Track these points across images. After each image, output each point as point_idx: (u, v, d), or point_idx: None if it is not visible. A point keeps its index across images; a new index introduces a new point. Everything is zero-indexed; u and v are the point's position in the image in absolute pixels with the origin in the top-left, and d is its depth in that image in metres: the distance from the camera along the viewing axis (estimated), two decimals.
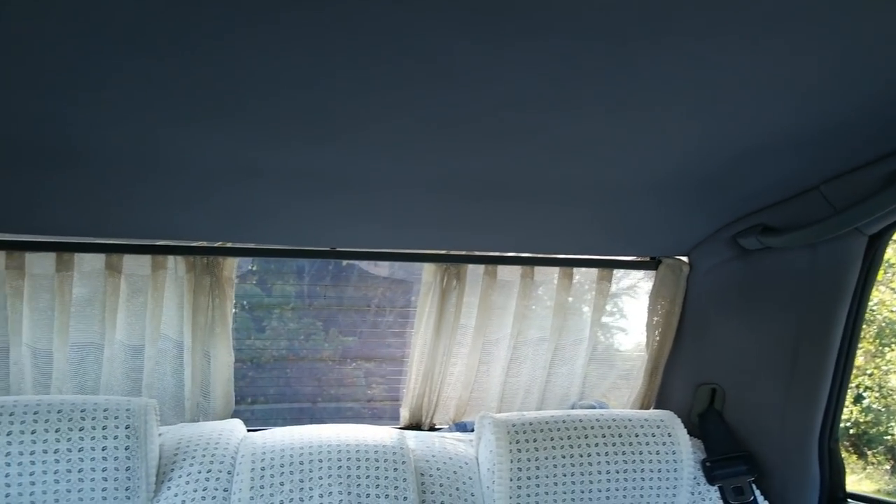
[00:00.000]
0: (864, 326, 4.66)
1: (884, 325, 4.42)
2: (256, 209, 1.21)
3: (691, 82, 0.83)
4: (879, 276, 4.41)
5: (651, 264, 1.48)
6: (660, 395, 1.54)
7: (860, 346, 4.49)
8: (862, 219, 1.05)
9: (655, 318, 1.49)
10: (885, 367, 4.45)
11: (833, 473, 1.32)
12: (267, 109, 0.89)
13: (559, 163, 1.08)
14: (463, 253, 1.44)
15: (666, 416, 1.38)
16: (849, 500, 1.33)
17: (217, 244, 1.38)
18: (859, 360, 4.51)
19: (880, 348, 4.46)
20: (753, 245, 1.26)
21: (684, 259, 1.46)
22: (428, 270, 1.47)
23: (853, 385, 4.50)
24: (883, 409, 4.43)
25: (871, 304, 4.44)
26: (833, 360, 1.24)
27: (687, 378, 1.49)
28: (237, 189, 1.14)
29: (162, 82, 0.81)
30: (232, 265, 1.41)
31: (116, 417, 1.17)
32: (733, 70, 0.80)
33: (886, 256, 4.35)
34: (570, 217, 1.30)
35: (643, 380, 1.54)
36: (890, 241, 1.15)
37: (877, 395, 4.46)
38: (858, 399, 4.57)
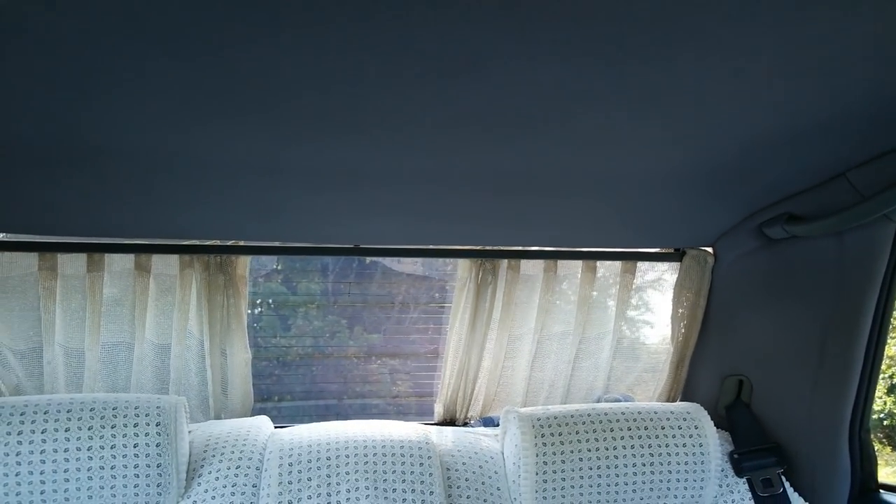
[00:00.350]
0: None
1: None
2: (281, 207, 1.23)
3: (717, 71, 0.82)
4: None
5: (676, 256, 1.46)
6: (686, 387, 1.53)
7: (894, 335, 4.40)
8: (889, 205, 1.03)
9: (680, 310, 1.48)
10: None
11: (864, 464, 1.30)
12: (290, 107, 0.90)
13: (583, 155, 1.07)
14: (486, 248, 1.44)
15: (692, 408, 1.37)
16: (881, 490, 1.30)
17: (240, 243, 1.40)
18: (893, 349, 4.41)
19: None
20: (779, 234, 1.24)
21: (709, 250, 1.44)
22: (463, 266, 1.48)
23: (887, 375, 4.41)
24: None
25: None
26: (862, 350, 1.22)
27: (713, 370, 1.47)
28: (262, 187, 1.15)
29: (185, 82, 0.82)
30: (245, 263, 1.43)
31: (147, 415, 1.20)
32: (758, 58, 0.79)
33: None
34: (595, 210, 1.29)
35: (669, 372, 1.52)
36: None
37: None
38: (892, 389, 4.47)
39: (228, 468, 1.24)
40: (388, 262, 1.86)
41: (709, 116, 0.95)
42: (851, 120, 0.95)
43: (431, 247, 1.43)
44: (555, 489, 1.26)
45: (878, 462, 1.32)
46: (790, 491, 1.33)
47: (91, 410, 1.18)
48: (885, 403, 4.39)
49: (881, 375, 4.49)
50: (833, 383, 1.26)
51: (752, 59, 0.79)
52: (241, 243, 1.40)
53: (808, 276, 1.25)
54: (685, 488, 1.30)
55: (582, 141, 1.01)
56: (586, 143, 1.03)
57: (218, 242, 1.38)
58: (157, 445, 1.18)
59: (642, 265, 1.50)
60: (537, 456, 1.26)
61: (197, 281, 1.40)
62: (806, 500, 1.31)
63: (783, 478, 1.34)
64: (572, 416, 1.31)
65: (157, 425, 1.19)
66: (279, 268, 1.92)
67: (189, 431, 1.29)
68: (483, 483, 1.29)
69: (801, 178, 1.15)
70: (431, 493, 1.22)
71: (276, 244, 1.41)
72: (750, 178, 1.17)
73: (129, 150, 1.02)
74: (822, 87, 0.87)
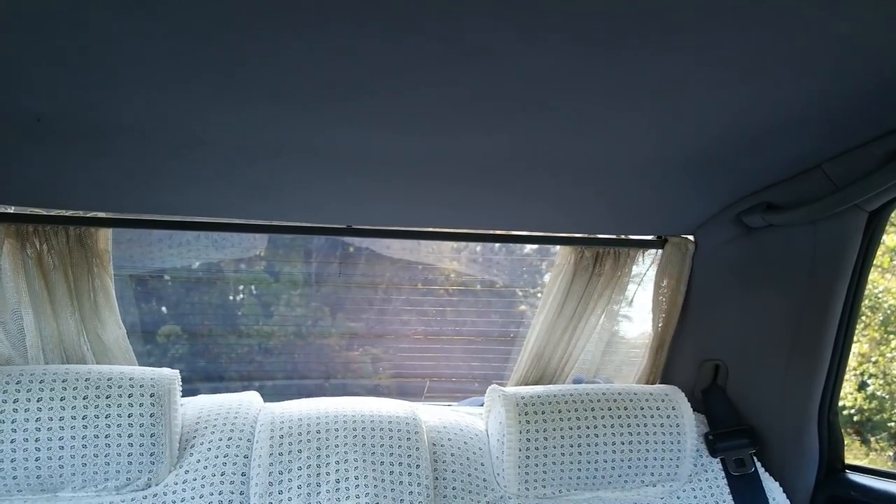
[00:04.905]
0: (869, 314, 4.68)
1: (889, 312, 4.43)
2: (274, 186, 1.25)
3: (699, 62, 0.86)
4: (886, 264, 4.42)
5: (658, 243, 1.51)
6: (665, 371, 1.58)
7: (865, 333, 4.52)
8: (861, 195, 1.08)
9: (661, 297, 1.53)
10: (889, 355, 4.47)
11: (832, 446, 1.36)
12: (290, 88, 0.92)
13: (570, 141, 1.11)
14: (469, 231, 1.48)
15: (670, 390, 1.42)
16: (847, 471, 1.36)
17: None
18: (864, 347, 4.54)
19: (885, 336, 4.48)
20: (757, 223, 1.29)
21: (690, 238, 1.49)
22: (562, 253, 1.53)
23: (858, 372, 4.53)
24: (887, 396, 4.46)
25: (876, 291, 4.46)
26: (833, 335, 1.27)
27: (691, 355, 1.53)
28: (257, 166, 1.17)
29: (183, 58, 0.84)
30: (106, 236, 1.39)
31: (142, 386, 1.22)
32: (739, 50, 0.83)
33: (892, 244, 4.36)
34: (580, 196, 1.33)
35: (648, 357, 1.58)
36: (889, 219, 1.18)
37: (881, 382, 4.49)
38: (863, 386, 4.59)
39: (220, 439, 1.27)
40: (376, 247, 1.89)
41: (690, 106, 1.00)
42: (827, 113, 1.00)
43: (420, 229, 1.47)
44: (537, 465, 1.30)
45: (848, 457, 1.38)
46: (761, 471, 1.38)
47: (86, 381, 1.21)
48: (855, 399, 4.51)
49: (853, 373, 4.60)
50: (804, 368, 1.32)
51: (734, 51, 0.83)
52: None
53: (784, 264, 1.30)
54: (662, 466, 1.34)
55: (569, 126, 1.05)
56: (574, 129, 1.06)
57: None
58: (151, 416, 1.21)
59: (626, 256, 1.55)
60: (521, 433, 1.30)
61: (52, 255, 1.35)
62: (776, 480, 1.37)
63: (755, 458, 1.40)
64: (555, 396, 1.36)
65: (151, 396, 1.22)
66: (262, 255, 1.92)
67: (181, 405, 1.31)
68: (468, 458, 1.33)
69: (779, 169, 1.20)
70: (418, 466, 1.26)
71: (265, 222, 1.43)
72: (730, 168, 1.22)
73: (127, 126, 1.04)
74: (800, 80, 0.91)
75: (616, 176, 1.26)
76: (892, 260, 4.45)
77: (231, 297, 1.86)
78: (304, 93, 0.93)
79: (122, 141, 1.08)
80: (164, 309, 1.74)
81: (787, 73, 0.89)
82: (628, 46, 0.82)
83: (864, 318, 4.52)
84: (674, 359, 1.56)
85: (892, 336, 4.47)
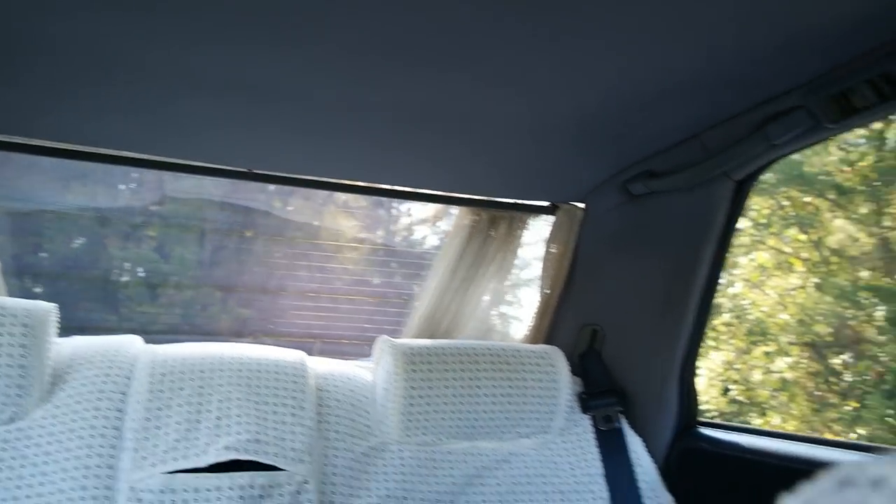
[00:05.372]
0: (736, 323, 5.04)
1: (754, 323, 4.82)
2: (176, 119, 1.20)
3: (593, 27, 0.91)
4: (754, 279, 4.82)
5: (549, 210, 1.58)
6: (548, 335, 1.65)
7: (732, 342, 4.90)
8: (729, 163, 1.18)
9: (549, 262, 1.60)
10: (751, 363, 4.86)
11: (688, 403, 1.47)
12: (201, 15, 0.88)
13: (473, 99, 1.13)
14: (371, 185, 1.49)
15: (550, 349, 1.48)
16: (699, 427, 1.48)
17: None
18: (731, 356, 4.92)
19: (749, 346, 4.87)
20: (640, 190, 1.39)
21: (580, 205, 1.57)
22: (460, 214, 1.54)
23: (722, 378, 4.90)
24: (746, 401, 4.85)
25: (744, 303, 4.85)
26: (696, 298, 1.38)
27: (573, 320, 1.60)
28: (159, 96, 1.12)
29: None
30: None
31: (14, 316, 1.15)
32: (629, 13, 0.88)
33: (761, 261, 4.77)
34: (479, 158, 1.37)
35: (534, 320, 1.64)
36: (752, 187, 1.30)
37: (742, 387, 4.88)
38: (725, 391, 4.97)
39: (96, 375, 1.20)
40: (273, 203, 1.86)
41: (581, 70, 1.04)
42: (705, 83, 1.09)
43: (323, 179, 1.46)
44: (419, 413, 1.32)
45: None
46: (626, 427, 1.48)
47: None
48: (717, 403, 4.88)
49: (718, 379, 4.95)
50: (668, 330, 1.42)
51: (622, 14, 0.87)
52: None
53: (661, 231, 1.40)
54: (536, 419, 1.40)
55: (473, 85, 1.08)
56: (478, 88, 1.09)
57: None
58: (21, 346, 1.13)
59: (520, 221, 1.61)
60: (406, 381, 1.32)
61: None
62: (638, 435, 1.47)
63: (621, 415, 1.49)
64: (442, 349, 1.39)
65: (23, 326, 1.14)
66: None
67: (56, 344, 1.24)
68: (353, 405, 1.34)
69: (662, 138, 1.29)
70: (302, 408, 1.25)
71: (160, 158, 1.37)
72: (616, 136, 1.30)
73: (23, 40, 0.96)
74: (680, 48, 0.98)
75: (514, 139, 1.30)
76: (760, 276, 4.86)
77: (117, 243, 1.76)
78: (213, 11, 0.89)
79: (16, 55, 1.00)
80: (42, 246, 1.63)
81: (669, 40, 0.96)
82: (534, 7, 0.85)
83: (731, 327, 4.90)
84: (557, 323, 1.64)
85: (753, 346, 4.86)
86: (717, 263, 1.36)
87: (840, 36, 0.94)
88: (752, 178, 1.27)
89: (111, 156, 1.33)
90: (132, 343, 1.32)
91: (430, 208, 1.74)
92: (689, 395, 1.47)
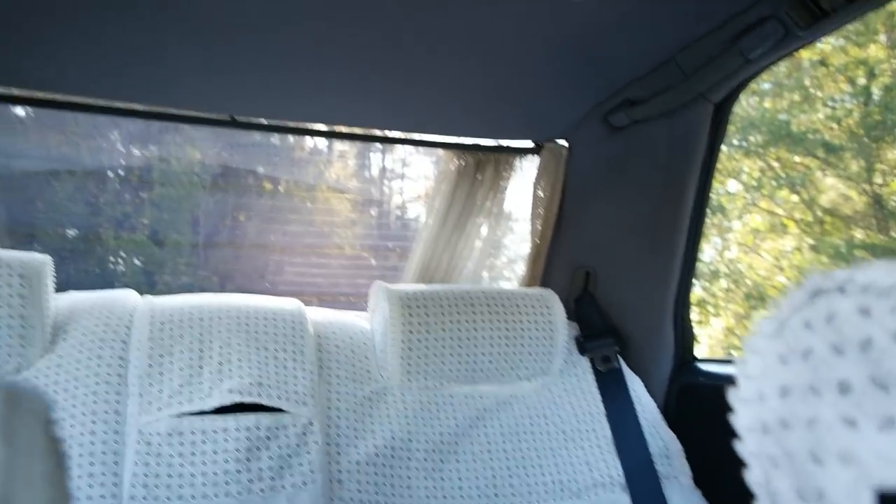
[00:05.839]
0: (734, 287, 5.06)
1: (752, 287, 4.84)
2: (155, 61, 1.20)
3: None
4: (748, 242, 4.84)
5: (534, 150, 1.60)
6: (542, 280, 1.67)
7: (730, 307, 4.92)
8: (705, 82, 1.20)
9: (538, 205, 1.62)
10: (751, 329, 4.87)
11: (685, 340, 1.49)
12: None
13: (449, 23, 1.12)
14: (354, 131, 1.50)
15: (545, 292, 1.50)
16: (697, 362, 1.50)
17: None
18: (730, 321, 4.94)
19: (748, 311, 4.89)
20: (622, 121, 1.40)
21: (564, 143, 1.58)
22: (445, 159, 1.54)
23: (723, 345, 4.92)
24: None
25: (739, 266, 4.87)
26: (685, 231, 1.40)
27: (565, 263, 1.62)
28: (137, 34, 1.11)
29: None
30: None
31: (10, 266, 1.16)
32: None
33: (755, 224, 4.78)
34: (461, 97, 1.38)
35: (527, 265, 1.66)
36: (731, 110, 1.31)
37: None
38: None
39: (97, 325, 1.23)
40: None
41: None
42: (676, 1, 1.10)
43: (307, 125, 1.47)
44: (419, 357, 1.34)
45: None
46: (624, 366, 1.50)
47: None
48: None
49: (720, 348, 4.94)
50: (660, 265, 1.44)
51: None
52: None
53: (644, 161, 1.42)
54: (535, 361, 1.42)
55: (452, 6, 1.07)
56: (457, 8, 1.08)
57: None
58: (20, 297, 1.15)
59: (506, 163, 1.62)
60: (404, 325, 1.34)
61: None
62: (636, 374, 1.48)
63: (619, 356, 1.50)
64: (437, 293, 1.41)
65: (20, 276, 1.16)
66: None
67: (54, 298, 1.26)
68: (352, 351, 1.36)
69: (638, 64, 1.30)
70: (303, 353, 1.28)
71: (142, 107, 1.37)
72: (594, 64, 1.31)
73: None
74: None
75: (493, 74, 1.30)
76: (754, 240, 4.88)
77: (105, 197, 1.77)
78: None
79: None
80: (29, 202, 1.63)
81: None
82: None
83: (729, 292, 4.93)
84: (550, 266, 1.65)
85: (753, 311, 4.88)
86: (703, 190, 1.38)
87: None
88: (731, 99, 1.28)
89: (96, 106, 1.34)
90: (129, 296, 1.34)
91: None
92: (684, 331, 1.49)
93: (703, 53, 1.20)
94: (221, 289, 1.80)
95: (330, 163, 1.84)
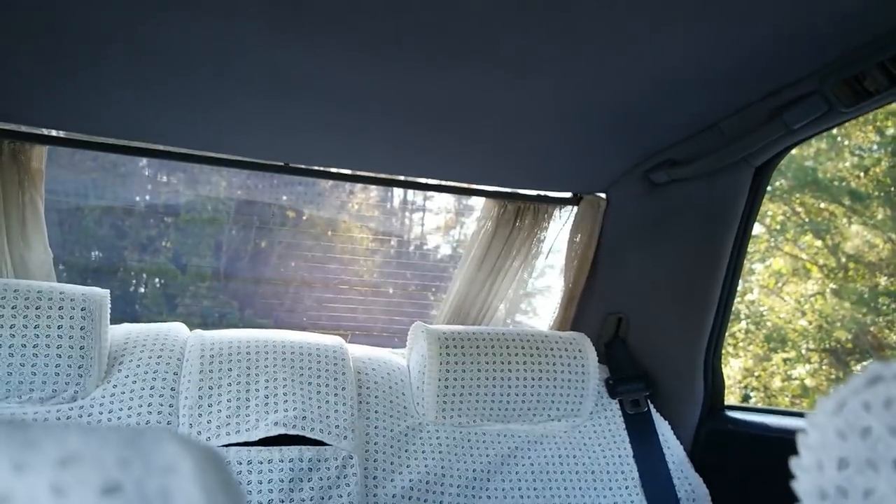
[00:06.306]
0: (754, 329, 5.03)
1: (771, 329, 4.82)
2: (211, 109, 1.26)
3: (614, 18, 0.96)
4: (770, 285, 4.83)
5: (573, 200, 1.65)
6: (574, 324, 1.71)
7: (750, 349, 4.90)
8: (747, 149, 1.24)
9: (573, 253, 1.66)
10: (770, 370, 4.86)
11: (714, 388, 1.52)
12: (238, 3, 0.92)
13: (502, 89, 1.20)
14: (402, 178, 1.56)
15: (577, 335, 1.54)
16: (726, 409, 1.53)
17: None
18: (749, 362, 4.92)
19: (767, 352, 4.88)
20: (662, 179, 1.45)
21: (603, 196, 1.63)
22: (486, 206, 1.62)
23: (742, 385, 4.90)
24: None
25: (762, 309, 4.85)
26: (720, 285, 1.44)
27: (598, 308, 1.66)
28: (199, 86, 1.17)
29: None
30: (41, 155, 1.36)
31: (73, 300, 1.23)
32: (648, 7, 0.93)
33: (777, 267, 4.78)
34: (506, 150, 1.44)
35: (560, 309, 1.70)
36: (771, 175, 1.36)
37: (762, 395, 4.87)
38: (745, 399, 4.97)
39: (150, 357, 1.29)
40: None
41: (606, 62, 1.10)
42: (724, 73, 1.15)
43: (355, 172, 1.53)
44: (454, 395, 1.38)
45: None
46: (653, 410, 1.52)
47: (15, 291, 1.20)
48: None
49: (738, 385, 4.91)
50: (694, 316, 1.47)
51: (644, 5, 0.92)
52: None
53: (682, 218, 1.46)
54: (567, 402, 1.46)
55: (503, 74, 1.13)
56: (507, 77, 1.14)
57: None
58: (81, 328, 1.21)
59: (545, 212, 1.67)
60: (440, 364, 1.39)
61: None
62: (665, 419, 1.51)
63: (648, 400, 1.54)
64: (473, 334, 1.45)
65: (82, 310, 1.23)
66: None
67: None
68: (390, 387, 1.41)
69: (683, 128, 1.35)
70: (344, 388, 1.32)
71: (200, 153, 1.44)
72: (639, 126, 1.36)
73: (69, 25, 0.99)
74: (700, 40, 1.04)
75: (537, 131, 1.36)
76: (776, 283, 4.87)
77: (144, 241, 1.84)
78: (249, 7, 0.93)
79: (68, 46, 1.04)
80: (86, 240, 1.70)
81: (687, 31, 1.01)
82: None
83: (749, 334, 4.91)
84: (583, 311, 1.69)
85: (773, 353, 4.86)
86: (740, 249, 1.42)
87: (850, 21, 1.00)
88: (771, 164, 1.33)
89: (152, 150, 1.41)
90: (180, 328, 1.41)
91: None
92: (715, 378, 1.52)
93: (747, 121, 1.24)
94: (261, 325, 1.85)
95: (353, 194, 1.90)
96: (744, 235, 1.40)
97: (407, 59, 1.09)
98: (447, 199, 2.05)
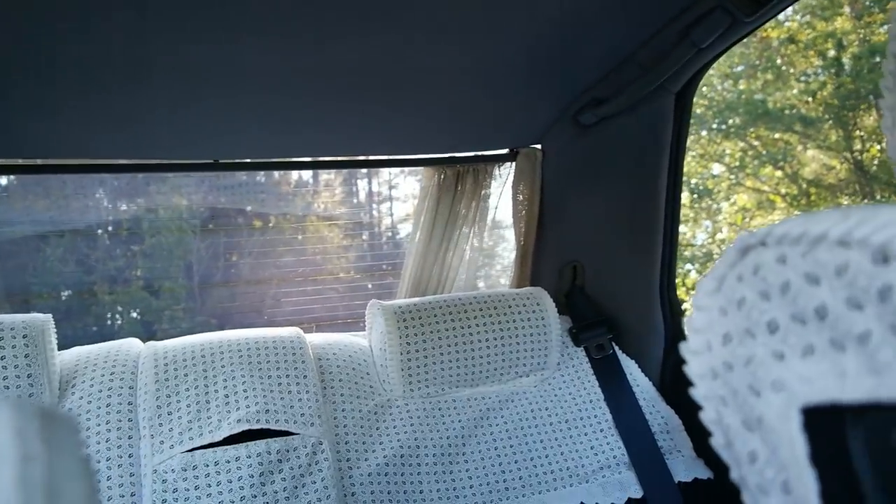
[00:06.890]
0: None
1: None
2: (139, 116, 1.24)
3: None
4: (738, 221, 4.89)
5: (510, 156, 1.65)
6: (531, 279, 1.71)
7: None
8: (663, 74, 1.25)
9: (519, 208, 1.66)
10: None
11: (674, 319, 1.53)
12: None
13: (421, 52, 1.18)
14: (335, 159, 1.55)
15: (534, 290, 1.54)
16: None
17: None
18: None
19: None
20: (590, 120, 1.45)
21: (538, 147, 1.63)
22: (426, 175, 1.59)
23: None
24: None
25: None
26: (662, 215, 1.45)
27: (552, 260, 1.67)
28: (119, 92, 1.15)
29: None
30: None
31: (13, 328, 1.21)
32: None
33: (742, 203, 4.83)
34: (436, 114, 1.43)
35: (515, 267, 1.70)
36: (693, 98, 1.36)
37: None
38: None
39: (103, 375, 1.27)
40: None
41: (514, 2, 1.08)
42: (630, 1, 1.15)
43: (287, 159, 1.52)
44: (418, 367, 1.38)
45: None
46: (618, 351, 1.54)
47: None
48: None
49: None
50: (643, 251, 1.48)
51: None
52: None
53: (616, 156, 1.47)
54: (532, 357, 1.46)
55: (415, 34, 1.12)
56: (422, 40, 1.13)
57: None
58: (25, 356, 1.19)
59: (485, 172, 1.67)
60: (400, 338, 1.38)
61: None
62: (631, 357, 1.53)
63: (613, 342, 1.55)
64: (430, 304, 1.45)
65: (24, 337, 1.20)
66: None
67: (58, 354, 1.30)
68: (353, 369, 1.40)
69: (602, 63, 1.35)
70: (305, 376, 1.32)
71: (123, 161, 1.41)
72: (559, 69, 1.36)
73: None
74: None
75: (463, 90, 1.35)
76: (743, 218, 4.93)
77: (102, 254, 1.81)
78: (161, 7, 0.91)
79: None
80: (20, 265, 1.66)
81: None
82: None
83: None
84: (538, 266, 1.70)
85: None
86: (675, 178, 1.43)
87: None
88: (689, 88, 1.33)
89: (78, 165, 1.39)
90: (132, 343, 1.39)
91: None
92: (673, 310, 1.54)
93: (659, 48, 1.25)
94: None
95: (317, 192, 1.88)
96: (676, 163, 1.41)
97: (312, 31, 1.07)
98: (395, 175, 2.03)
